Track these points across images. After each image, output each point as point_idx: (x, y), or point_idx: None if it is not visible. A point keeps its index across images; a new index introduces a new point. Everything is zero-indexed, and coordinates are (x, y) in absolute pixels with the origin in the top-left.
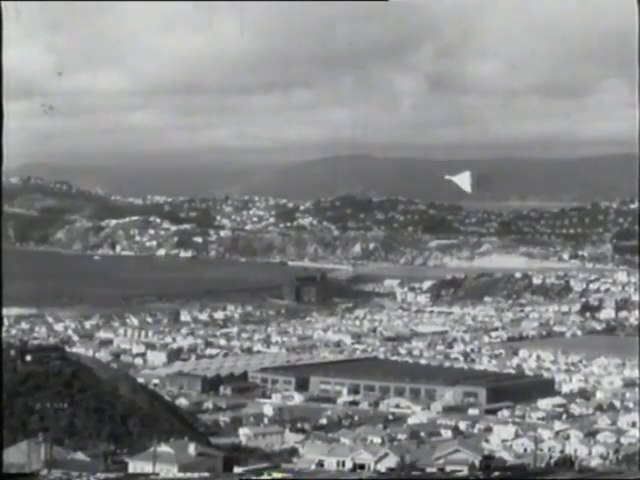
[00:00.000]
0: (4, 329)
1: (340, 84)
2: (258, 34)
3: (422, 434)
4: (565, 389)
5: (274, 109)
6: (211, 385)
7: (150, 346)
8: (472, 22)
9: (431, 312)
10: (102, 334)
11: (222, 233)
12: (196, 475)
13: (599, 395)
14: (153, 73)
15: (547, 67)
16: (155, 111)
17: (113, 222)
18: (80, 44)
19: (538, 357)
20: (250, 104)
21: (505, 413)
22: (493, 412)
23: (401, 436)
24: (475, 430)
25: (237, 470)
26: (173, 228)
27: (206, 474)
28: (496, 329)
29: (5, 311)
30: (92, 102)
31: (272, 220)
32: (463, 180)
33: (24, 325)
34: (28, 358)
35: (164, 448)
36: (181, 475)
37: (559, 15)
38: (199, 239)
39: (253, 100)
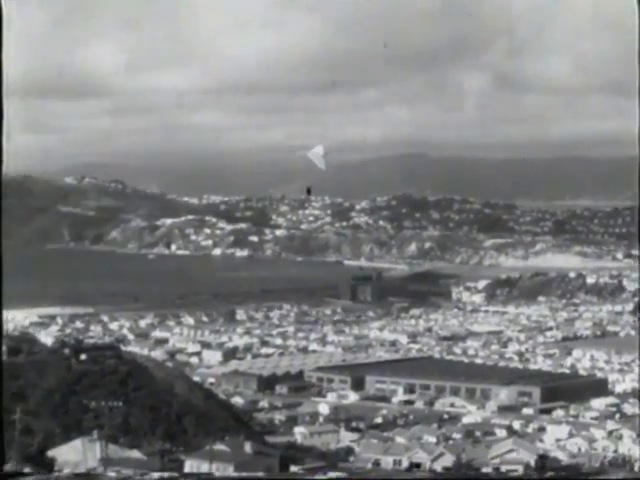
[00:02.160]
0: (59, 327)
1: (407, 83)
2: (329, 33)
3: (477, 433)
4: (618, 389)
5: (338, 108)
6: (267, 384)
7: (206, 345)
8: (543, 20)
9: (486, 311)
10: (157, 333)
11: (278, 232)
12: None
13: None
14: (220, 72)
15: (613, 66)
16: (218, 110)
17: (168, 221)
18: (150, 43)
19: (592, 357)
20: (315, 103)
21: (559, 413)
22: (547, 412)
23: (456, 435)
24: (529, 430)
25: (293, 469)
26: (229, 227)
27: (261, 474)
28: (550, 329)
29: (60, 310)
30: (157, 101)
31: (328, 219)
32: (316, 155)
33: (79, 324)
34: (83, 357)
35: (220, 447)
36: (235, 475)
37: (629, 14)
38: (255, 238)
39: (318, 99)
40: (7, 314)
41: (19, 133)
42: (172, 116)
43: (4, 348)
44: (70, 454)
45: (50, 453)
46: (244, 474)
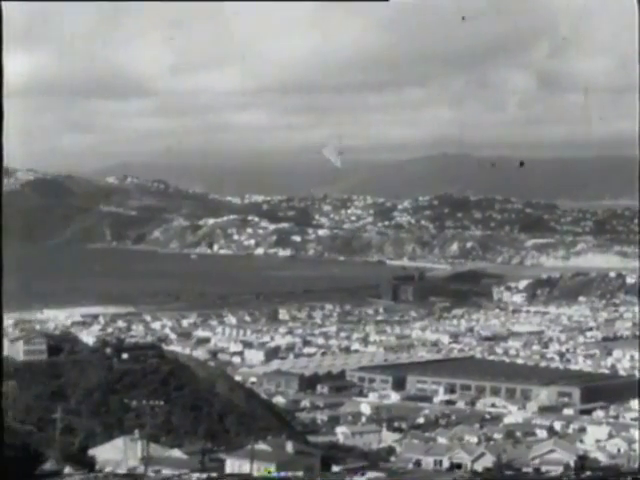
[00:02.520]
0: (100, 327)
1: (452, 83)
2: (374, 33)
3: (518, 434)
4: None
5: (382, 108)
6: (308, 383)
7: (248, 344)
8: (584, 20)
9: (527, 312)
10: (200, 332)
11: (320, 232)
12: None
13: None
14: (266, 72)
15: None
16: (263, 110)
17: (211, 221)
18: (197, 43)
19: (632, 357)
20: (359, 103)
21: (599, 413)
22: (587, 412)
23: (497, 436)
24: (570, 430)
25: (335, 469)
26: (271, 227)
27: (300, 473)
28: (591, 329)
29: (102, 309)
30: (202, 101)
31: (370, 219)
32: (330, 152)
33: (121, 323)
34: (124, 356)
35: (261, 446)
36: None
37: None
38: (297, 238)
39: (363, 99)
40: (48, 313)
41: (62, 133)
42: (216, 116)
43: (45, 347)
44: (111, 453)
45: (91, 452)
46: (282, 474)
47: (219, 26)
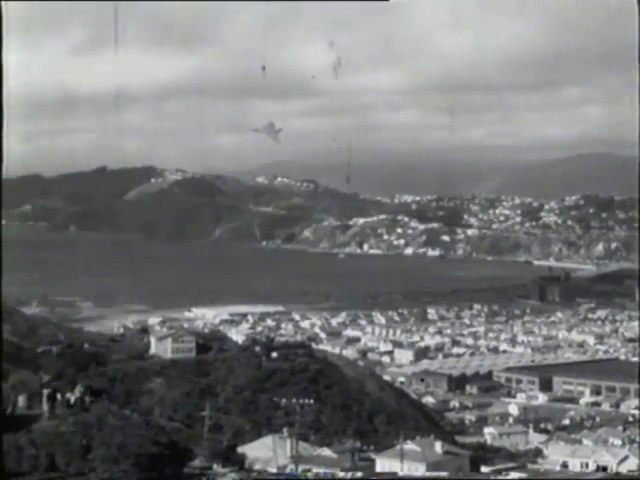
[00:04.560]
0: (250, 325)
1: (610, 82)
2: (533, 33)
3: None
4: None
5: (539, 107)
6: (457, 384)
7: (397, 344)
8: None
9: None
10: (349, 332)
11: (469, 232)
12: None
13: None
14: (428, 72)
15: None
16: (419, 109)
17: (361, 221)
18: (362, 43)
19: None
20: (516, 102)
21: None
22: None
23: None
24: None
25: (484, 469)
26: (421, 227)
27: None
28: None
29: (251, 308)
30: (360, 101)
31: (518, 219)
32: (269, 130)
33: (270, 322)
34: (274, 355)
35: (410, 446)
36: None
37: None
38: (446, 238)
39: (520, 98)
40: (197, 311)
41: (218, 133)
42: (372, 116)
43: (193, 345)
44: (261, 451)
45: (240, 450)
46: (429, 474)
47: (379, 26)
